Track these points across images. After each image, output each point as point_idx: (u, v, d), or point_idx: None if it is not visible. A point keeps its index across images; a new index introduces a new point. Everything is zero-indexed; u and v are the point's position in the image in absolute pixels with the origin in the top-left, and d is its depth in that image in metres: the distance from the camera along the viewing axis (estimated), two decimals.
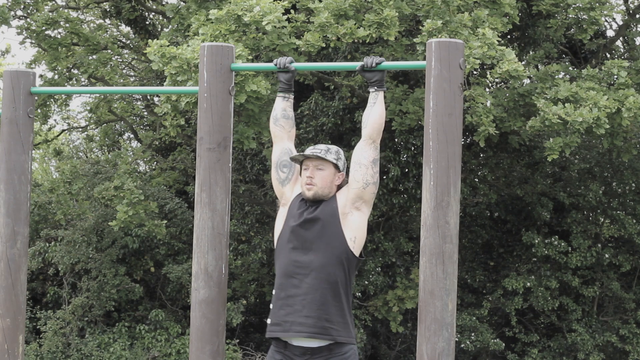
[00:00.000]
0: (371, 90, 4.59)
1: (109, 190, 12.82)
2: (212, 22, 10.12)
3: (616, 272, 15.74)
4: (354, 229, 4.56)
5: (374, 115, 4.57)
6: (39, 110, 13.78)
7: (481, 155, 15.65)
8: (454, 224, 4.36)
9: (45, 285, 14.97)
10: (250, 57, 9.86)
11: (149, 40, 10.22)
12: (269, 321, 4.57)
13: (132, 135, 18.26)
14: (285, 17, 9.83)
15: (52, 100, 14.36)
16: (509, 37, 14.73)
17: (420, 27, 10.21)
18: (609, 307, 15.78)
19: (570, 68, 14.09)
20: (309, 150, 4.66)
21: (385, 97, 4.68)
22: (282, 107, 4.80)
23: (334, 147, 4.68)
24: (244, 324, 15.40)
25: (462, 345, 14.78)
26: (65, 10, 14.67)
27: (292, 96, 4.83)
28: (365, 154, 4.56)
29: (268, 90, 10.04)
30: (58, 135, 18.33)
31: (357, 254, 4.56)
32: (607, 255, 15.58)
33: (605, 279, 15.57)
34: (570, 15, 12.68)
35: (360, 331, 14.51)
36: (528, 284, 15.14)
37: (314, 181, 4.59)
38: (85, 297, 14.13)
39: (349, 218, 4.56)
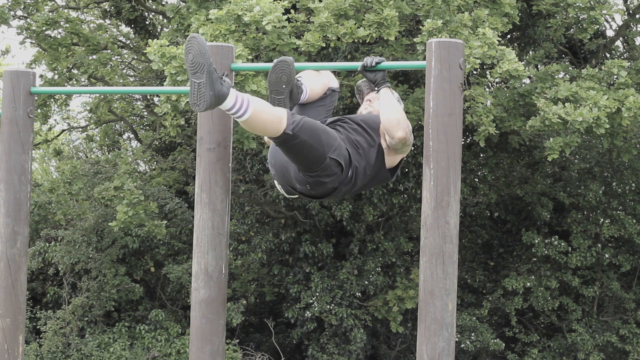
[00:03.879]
0: (374, 91, 4.69)
1: (109, 190, 12.82)
2: (212, 22, 10.11)
3: (616, 272, 15.74)
4: (387, 150, 4.72)
5: (381, 116, 4.66)
6: (39, 110, 13.78)
7: (481, 155, 15.64)
8: (454, 224, 4.35)
9: (45, 285, 14.96)
10: (250, 57, 9.86)
11: (149, 40, 10.21)
12: None
13: (132, 135, 18.25)
14: (285, 17, 9.82)
15: (52, 100, 14.35)
16: (509, 37, 14.74)
17: (420, 27, 10.20)
18: (609, 307, 15.77)
19: (570, 68, 14.09)
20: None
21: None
22: None
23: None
24: (244, 324, 15.40)
25: (462, 345, 14.78)
26: (65, 11, 14.66)
27: None
28: (388, 142, 4.70)
29: (268, 90, 10.03)
30: (58, 135, 18.31)
31: (387, 163, 4.73)
32: (607, 255, 15.58)
33: (605, 279, 15.57)
34: (570, 15, 12.68)
35: (361, 331, 14.51)
36: (528, 284, 15.15)
37: (373, 104, 4.85)
38: (85, 297, 14.13)
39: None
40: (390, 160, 4.76)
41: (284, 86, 4.47)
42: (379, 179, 4.78)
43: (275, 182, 4.75)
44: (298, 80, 4.61)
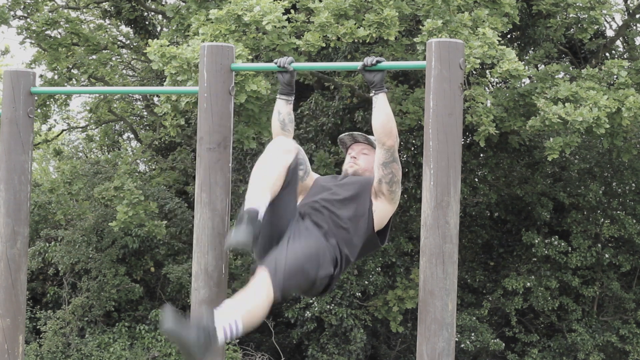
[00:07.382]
0: (371, 94, 4.66)
1: (109, 190, 12.82)
2: (212, 22, 10.11)
3: (616, 272, 15.73)
4: (378, 209, 4.74)
5: (375, 120, 4.65)
6: (39, 110, 13.78)
7: (481, 155, 15.64)
8: (454, 224, 4.36)
9: (45, 285, 14.96)
10: (250, 57, 9.86)
11: (149, 40, 10.21)
12: None
13: (132, 135, 18.26)
14: (285, 17, 9.82)
15: (52, 100, 14.35)
16: (509, 37, 14.74)
17: (420, 27, 10.20)
18: (609, 307, 15.77)
19: (570, 68, 14.09)
20: (356, 136, 4.93)
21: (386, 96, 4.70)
22: (288, 112, 4.89)
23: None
24: None
25: (462, 345, 14.78)
26: (65, 11, 14.67)
27: (293, 98, 4.90)
28: (377, 157, 4.71)
29: (268, 90, 10.04)
30: (58, 135, 18.32)
31: (375, 227, 4.74)
32: (607, 255, 15.58)
33: (605, 279, 15.56)
34: (570, 15, 12.68)
35: (361, 331, 14.51)
36: (528, 284, 15.14)
37: (358, 162, 4.88)
38: (85, 297, 14.13)
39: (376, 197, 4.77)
40: (380, 217, 4.74)
41: (252, 246, 4.49)
42: (369, 247, 4.79)
43: None
44: (251, 209, 4.42)
